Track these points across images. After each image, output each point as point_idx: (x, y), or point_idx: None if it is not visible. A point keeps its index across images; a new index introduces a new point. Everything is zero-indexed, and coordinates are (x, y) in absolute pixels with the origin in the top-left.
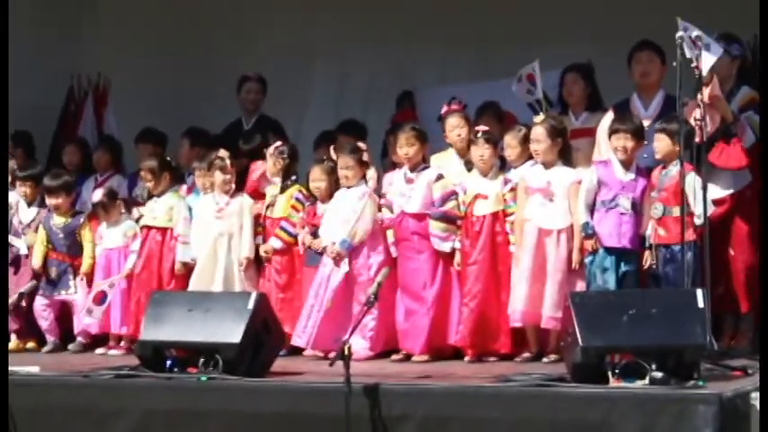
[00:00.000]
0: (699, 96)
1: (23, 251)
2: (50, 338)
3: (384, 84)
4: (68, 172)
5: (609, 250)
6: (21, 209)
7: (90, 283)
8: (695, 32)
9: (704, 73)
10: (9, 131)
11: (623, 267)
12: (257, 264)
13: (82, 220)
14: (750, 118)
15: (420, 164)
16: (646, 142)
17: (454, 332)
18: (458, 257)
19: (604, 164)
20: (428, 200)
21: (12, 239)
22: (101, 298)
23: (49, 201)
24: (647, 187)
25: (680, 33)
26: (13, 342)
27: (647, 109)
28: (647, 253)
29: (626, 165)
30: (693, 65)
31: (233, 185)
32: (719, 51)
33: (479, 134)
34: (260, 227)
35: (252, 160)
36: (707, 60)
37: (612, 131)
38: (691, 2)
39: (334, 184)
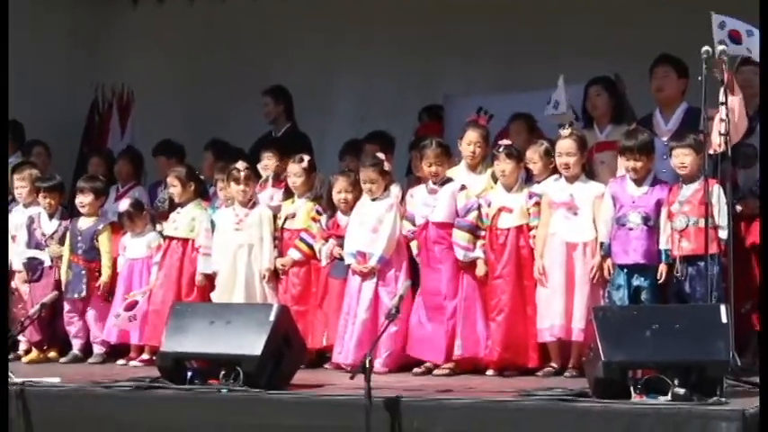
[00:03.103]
0: (723, 110)
1: (47, 263)
2: (77, 343)
3: (409, 97)
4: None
5: (621, 267)
6: (42, 221)
7: (110, 292)
8: (733, 24)
9: (755, 57)
10: (25, 137)
11: (635, 282)
12: (276, 276)
13: (101, 226)
14: None
15: (444, 177)
16: (665, 157)
17: (482, 345)
18: (481, 269)
19: (619, 180)
20: (452, 209)
21: (35, 253)
22: (132, 305)
23: (78, 199)
24: (666, 202)
25: (705, 48)
26: (34, 353)
27: (667, 123)
28: (662, 267)
29: (639, 181)
30: (738, 59)
31: (252, 197)
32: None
33: (501, 149)
34: (275, 239)
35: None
36: (753, 44)
37: (620, 151)
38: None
39: (358, 197)
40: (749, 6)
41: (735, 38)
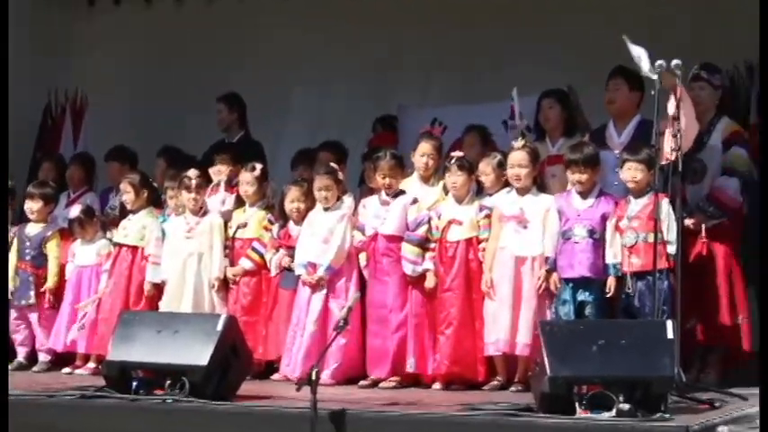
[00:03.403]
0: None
1: None
2: (23, 351)
3: (363, 107)
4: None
5: (567, 281)
6: None
7: (58, 299)
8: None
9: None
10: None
11: (579, 296)
12: (226, 285)
13: (50, 232)
14: (735, 155)
15: (397, 188)
16: (617, 169)
17: (429, 360)
18: (431, 280)
19: (565, 194)
20: (403, 222)
21: None
22: (84, 316)
23: (27, 205)
24: (612, 215)
25: (659, 62)
26: None
27: (620, 135)
28: (610, 280)
29: (584, 194)
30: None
31: (203, 205)
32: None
33: (453, 160)
34: (226, 248)
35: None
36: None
37: (566, 164)
38: (673, 32)
39: (311, 206)
40: (749, 6)
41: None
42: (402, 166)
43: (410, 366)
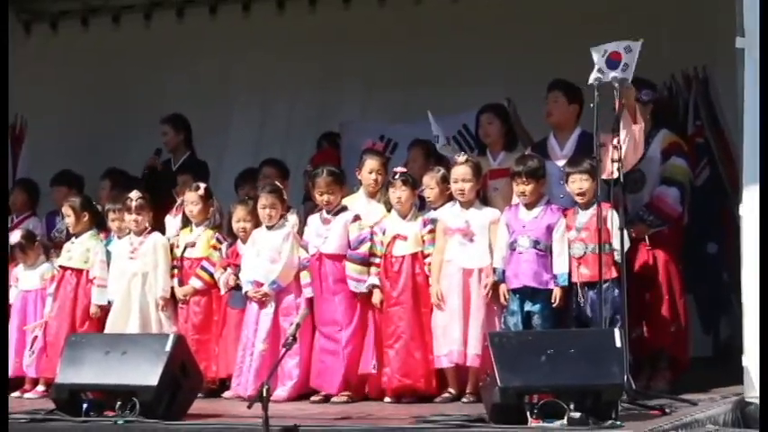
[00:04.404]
0: (615, 137)
1: None
2: None
3: (303, 124)
4: None
5: (514, 292)
6: None
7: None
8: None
9: (629, 74)
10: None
11: (527, 307)
12: (173, 304)
13: None
14: (674, 166)
15: (338, 205)
16: (562, 182)
17: (375, 373)
18: (377, 295)
19: (513, 208)
20: (344, 241)
21: None
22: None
23: None
24: (563, 226)
25: (595, 75)
26: None
27: (562, 148)
28: (556, 290)
29: (530, 205)
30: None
31: (146, 225)
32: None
33: (397, 176)
34: (175, 268)
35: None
36: (631, 59)
37: (511, 176)
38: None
39: (257, 225)
40: (689, 18)
41: (614, 60)
42: (340, 183)
43: (373, 368)
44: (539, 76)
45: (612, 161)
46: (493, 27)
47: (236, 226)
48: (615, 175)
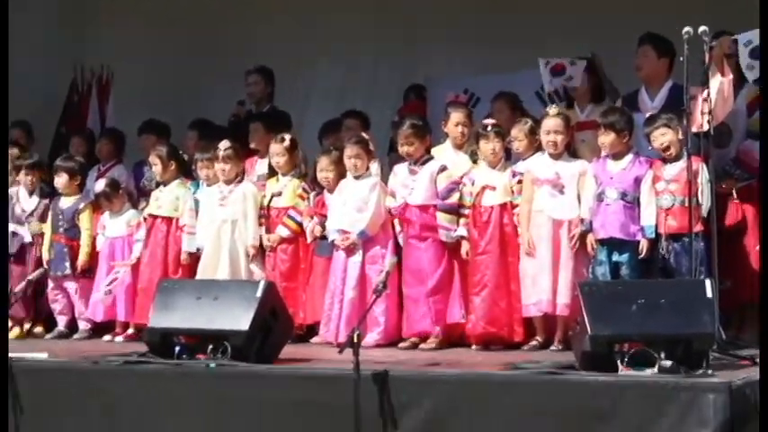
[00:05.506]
0: (705, 90)
1: (27, 239)
2: (63, 320)
3: (387, 76)
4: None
5: (602, 243)
6: (22, 198)
7: (92, 270)
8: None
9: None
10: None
11: (615, 257)
12: (261, 252)
13: (82, 204)
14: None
15: (423, 156)
16: (647, 130)
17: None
18: (465, 246)
19: (601, 160)
20: (431, 191)
21: (16, 227)
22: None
23: (56, 180)
24: (650, 178)
25: (687, 29)
26: (17, 330)
27: (653, 100)
28: (643, 242)
29: (617, 156)
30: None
31: (235, 174)
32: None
33: (489, 128)
34: (262, 217)
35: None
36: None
37: (599, 128)
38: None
39: (340, 174)
40: (749, 6)
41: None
42: (422, 135)
43: (462, 317)
44: (624, 32)
45: (702, 114)
46: None
47: (319, 175)
48: (705, 127)
